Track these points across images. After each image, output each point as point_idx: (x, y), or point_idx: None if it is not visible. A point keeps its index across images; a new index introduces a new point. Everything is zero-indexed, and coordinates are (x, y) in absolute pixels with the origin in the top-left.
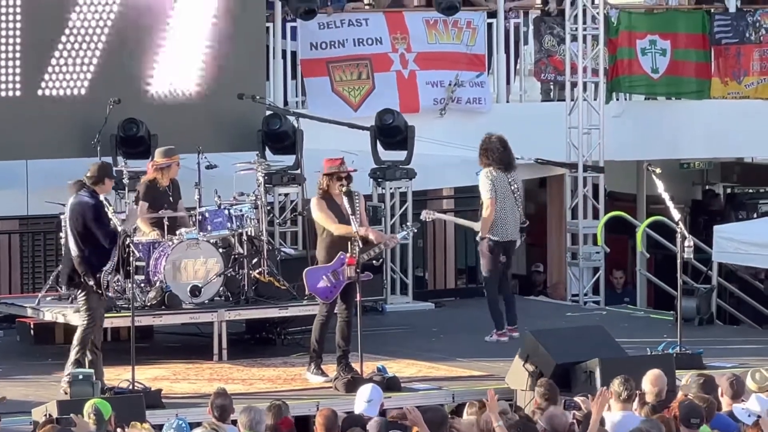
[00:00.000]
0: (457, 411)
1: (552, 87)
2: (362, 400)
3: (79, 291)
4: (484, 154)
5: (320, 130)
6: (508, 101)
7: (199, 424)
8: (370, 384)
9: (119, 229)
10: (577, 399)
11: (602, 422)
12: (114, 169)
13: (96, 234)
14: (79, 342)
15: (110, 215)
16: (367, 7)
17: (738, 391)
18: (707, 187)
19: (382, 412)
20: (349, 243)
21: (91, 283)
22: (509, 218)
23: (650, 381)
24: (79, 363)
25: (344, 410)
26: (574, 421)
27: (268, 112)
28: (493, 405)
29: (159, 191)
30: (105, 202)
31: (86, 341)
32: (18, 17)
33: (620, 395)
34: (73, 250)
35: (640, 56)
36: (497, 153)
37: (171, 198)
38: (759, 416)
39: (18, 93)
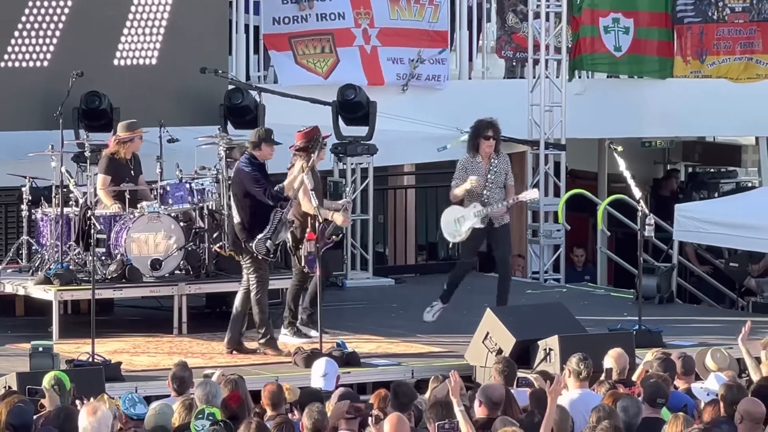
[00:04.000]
0: (417, 387)
1: (515, 64)
2: (318, 375)
3: (245, 256)
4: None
5: (282, 104)
6: (470, 78)
7: (158, 398)
8: (323, 358)
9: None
10: (530, 376)
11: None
12: (75, 142)
13: (256, 198)
14: (257, 305)
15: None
16: None
17: (689, 369)
18: (669, 167)
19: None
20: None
21: (253, 248)
22: None
23: (613, 359)
24: (265, 324)
25: (303, 384)
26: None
27: (230, 87)
28: (456, 388)
29: (120, 165)
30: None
31: (262, 303)
32: None
33: (580, 374)
34: (234, 217)
35: (603, 34)
36: None
37: (132, 172)
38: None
39: None
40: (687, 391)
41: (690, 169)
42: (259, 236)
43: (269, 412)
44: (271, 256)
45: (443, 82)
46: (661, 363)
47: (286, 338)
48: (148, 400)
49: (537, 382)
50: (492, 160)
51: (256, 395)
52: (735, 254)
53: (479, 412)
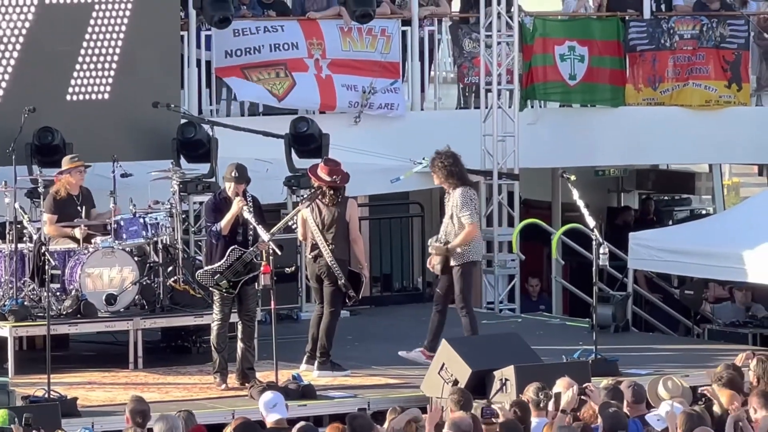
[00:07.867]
0: (374, 418)
1: (467, 93)
2: (268, 407)
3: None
4: (457, 171)
5: (235, 138)
6: (422, 108)
7: None
8: (269, 392)
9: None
10: (495, 407)
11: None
12: (29, 178)
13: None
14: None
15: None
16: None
17: (639, 397)
18: (623, 194)
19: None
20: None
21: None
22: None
23: (563, 388)
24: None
25: (259, 419)
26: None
27: (182, 121)
28: (435, 416)
29: (64, 202)
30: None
31: (214, 335)
32: None
33: (538, 403)
34: None
35: (559, 62)
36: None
37: (80, 206)
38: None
39: None
40: (641, 419)
41: (644, 197)
42: (207, 267)
43: None
44: (224, 291)
45: (398, 110)
46: (608, 392)
47: (323, 373)
48: None
49: (502, 413)
50: (447, 193)
51: (212, 429)
52: (690, 281)
53: None
